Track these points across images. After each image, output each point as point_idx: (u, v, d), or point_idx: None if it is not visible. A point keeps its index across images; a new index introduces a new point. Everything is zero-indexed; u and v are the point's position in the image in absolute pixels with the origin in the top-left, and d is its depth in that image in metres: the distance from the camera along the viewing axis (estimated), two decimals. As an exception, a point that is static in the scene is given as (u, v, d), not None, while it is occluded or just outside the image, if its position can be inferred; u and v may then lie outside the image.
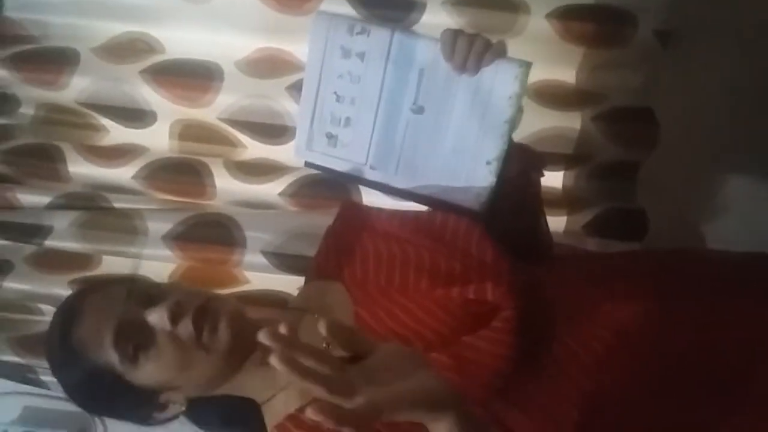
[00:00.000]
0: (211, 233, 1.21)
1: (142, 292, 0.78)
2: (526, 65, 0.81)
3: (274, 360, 0.52)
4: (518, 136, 1.21)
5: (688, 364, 0.72)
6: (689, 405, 0.71)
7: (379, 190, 0.94)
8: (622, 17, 1.15)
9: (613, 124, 1.22)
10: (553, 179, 1.28)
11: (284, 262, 1.19)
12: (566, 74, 1.22)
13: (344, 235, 0.92)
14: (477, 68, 0.80)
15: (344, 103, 0.87)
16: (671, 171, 1.25)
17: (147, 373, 0.76)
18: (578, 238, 1.25)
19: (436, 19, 1.14)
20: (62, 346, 0.79)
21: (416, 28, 1.15)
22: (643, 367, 0.73)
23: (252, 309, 0.86)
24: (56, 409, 1.41)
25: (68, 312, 0.81)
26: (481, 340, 0.72)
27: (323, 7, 1.14)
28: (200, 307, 0.77)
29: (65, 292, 1.25)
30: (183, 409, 0.80)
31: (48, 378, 1.29)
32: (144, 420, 0.82)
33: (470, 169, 0.86)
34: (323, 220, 1.03)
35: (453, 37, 0.79)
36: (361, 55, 0.84)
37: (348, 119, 0.87)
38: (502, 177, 0.85)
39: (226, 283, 1.28)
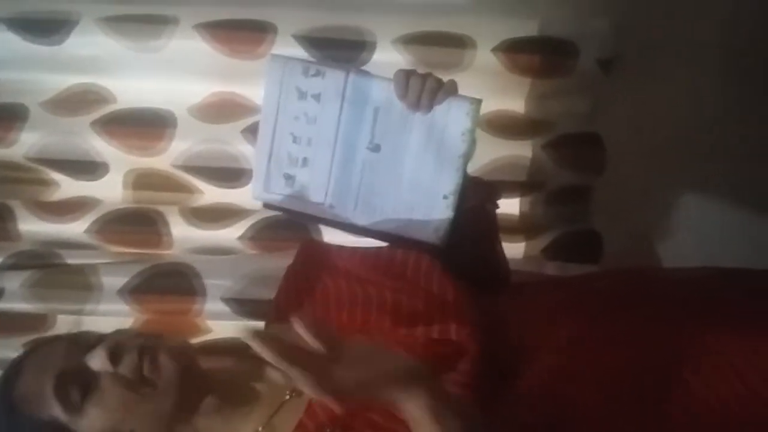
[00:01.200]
0: (169, 283, 1.18)
1: (81, 340, 0.77)
2: (477, 102, 0.84)
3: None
4: (472, 166, 1.23)
5: (627, 381, 0.73)
6: (635, 422, 0.71)
7: (339, 229, 0.94)
8: (565, 48, 1.19)
9: (563, 151, 1.25)
10: (509, 206, 1.30)
11: (245, 307, 1.17)
12: (515, 104, 1.26)
13: (304, 274, 0.92)
14: (430, 106, 0.82)
15: (301, 143, 0.88)
16: (622, 193, 1.29)
17: (94, 420, 0.73)
18: (537, 262, 1.27)
19: (387, 57, 1.17)
20: (2, 407, 0.76)
21: (368, 66, 1.17)
22: (597, 388, 0.73)
23: (209, 359, 0.84)
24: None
25: (8, 370, 0.79)
26: (449, 384, 0.71)
27: (275, 50, 1.16)
28: (142, 344, 0.75)
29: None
30: None
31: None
32: None
33: (428, 204, 0.87)
34: (284, 261, 1.02)
35: (406, 76, 0.82)
36: (317, 97, 0.86)
37: (305, 159, 0.88)
38: (459, 210, 0.87)
39: (187, 334, 1.24)
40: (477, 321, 0.77)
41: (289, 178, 0.89)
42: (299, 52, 1.16)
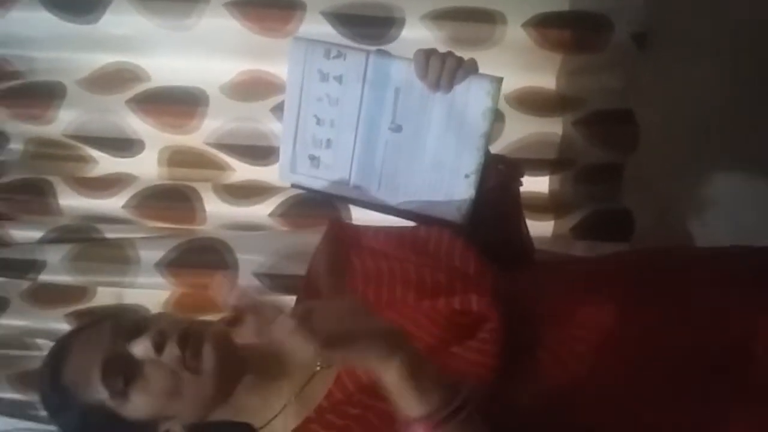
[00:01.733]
0: (203, 258, 1.21)
1: (126, 326, 0.78)
2: (498, 80, 0.83)
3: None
4: (502, 144, 1.24)
5: (670, 364, 0.73)
6: (673, 404, 0.71)
7: (363, 207, 0.96)
8: (598, 22, 1.17)
9: (594, 128, 1.24)
10: (539, 184, 1.30)
11: (277, 282, 1.19)
12: (546, 81, 1.24)
13: (331, 254, 0.93)
14: (450, 85, 0.82)
15: (324, 125, 0.89)
16: (654, 171, 1.26)
17: (139, 405, 0.75)
18: (566, 241, 1.26)
19: (416, 33, 1.17)
20: (53, 388, 0.79)
21: (396, 43, 1.17)
22: (626, 368, 0.73)
23: (242, 334, 0.86)
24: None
25: (57, 354, 0.81)
26: (469, 351, 0.73)
27: (303, 28, 1.17)
28: (183, 332, 0.76)
29: (62, 326, 1.25)
30: None
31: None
32: None
33: (450, 182, 0.88)
34: (313, 238, 1.03)
35: (425, 56, 0.81)
36: (339, 78, 0.86)
37: (329, 141, 0.89)
38: (482, 189, 0.87)
39: (219, 308, 1.28)
40: (498, 292, 0.78)
41: (314, 159, 0.90)
42: (327, 29, 1.16)
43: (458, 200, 0.87)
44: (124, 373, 0.74)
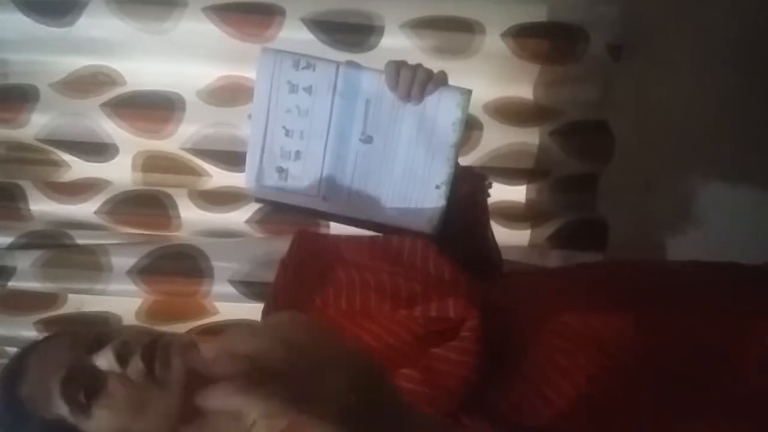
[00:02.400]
0: (177, 265, 1.20)
1: (87, 337, 0.75)
2: (467, 92, 0.84)
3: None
4: (480, 153, 1.25)
5: (646, 372, 0.73)
6: (654, 410, 0.71)
7: (333, 221, 0.95)
8: (575, 33, 1.18)
9: (570, 138, 1.25)
10: (516, 194, 1.30)
11: (252, 290, 1.18)
12: (523, 91, 1.25)
13: (300, 264, 0.91)
14: (421, 97, 0.82)
15: (293, 137, 0.88)
16: (629, 181, 1.28)
17: (102, 421, 0.72)
18: (542, 250, 1.27)
19: (395, 42, 1.17)
20: (8, 407, 0.74)
21: (376, 51, 1.18)
22: (606, 376, 0.72)
23: (207, 343, 0.84)
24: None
25: (11, 369, 0.76)
26: (450, 350, 0.72)
27: (282, 34, 1.16)
28: (149, 343, 0.74)
29: (31, 333, 1.23)
30: None
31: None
32: None
33: (421, 193, 0.88)
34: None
35: (396, 67, 0.82)
36: (308, 89, 0.86)
37: (298, 152, 0.89)
38: (451, 200, 0.87)
39: (195, 315, 1.27)
40: (473, 295, 0.77)
41: (282, 171, 0.90)
42: (307, 35, 1.16)
43: (429, 211, 0.88)
44: (85, 386, 0.71)
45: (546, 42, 1.18)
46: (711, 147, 1.28)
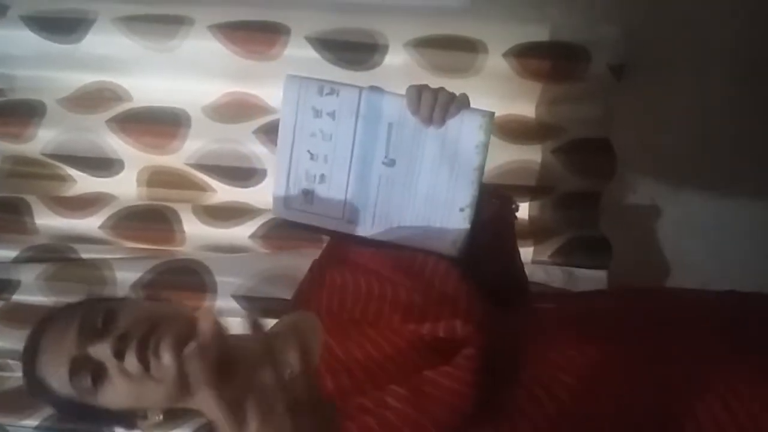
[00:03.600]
0: (181, 280, 1.20)
1: (90, 325, 0.78)
2: (490, 115, 0.84)
3: None
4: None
5: (648, 408, 0.73)
6: None
7: (359, 242, 0.95)
8: (577, 53, 1.19)
9: (573, 156, 1.26)
10: (519, 211, 1.30)
11: (256, 305, 1.18)
12: (526, 109, 1.26)
13: (327, 267, 0.92)
14: (443, 120, 0.83)
15: (318, 160, 0.89)
16: (632, 199, 1.29)
17: (109, 400, 0.77)
18: (545, 267, 1.27)
19: (399, 60, 1.19)
20: (31, 381, 0.81)
21: (379, 69, 1.19)
22: (603, 414, 0.73)
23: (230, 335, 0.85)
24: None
25: (29, 350, 0.82)
26: (441, 376, 0.72)
27: (287, 52, 1.18)
28: (144, 335, 0.75)
29: (33, 346, 1.23)
30: (161, 419, 0.80)
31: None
32: (131, 428, 0.82)
33: (444, 216, 0.88)
34: (294, 261, 1.03)
35: (418, 91, 0.83)
36: (332, 114, 0.87)
37: (323, 176, 0.90)
38: (476, 222, 0.87)
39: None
40: (484, 323, 0.77)
41: (308, 194, 0.91)
42: (311, 53, 1.17)
43: (453, 234, 0.88)
44: (91, 373, 0.75)
45: (548, 61, 1.19)
46: (714, 164, 1.29)
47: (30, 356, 0.81)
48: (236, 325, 1.24)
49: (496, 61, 1.19)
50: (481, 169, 0.85)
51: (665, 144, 1.29)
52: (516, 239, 1.00)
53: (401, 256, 0.89)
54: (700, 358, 0.76)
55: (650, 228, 1.34)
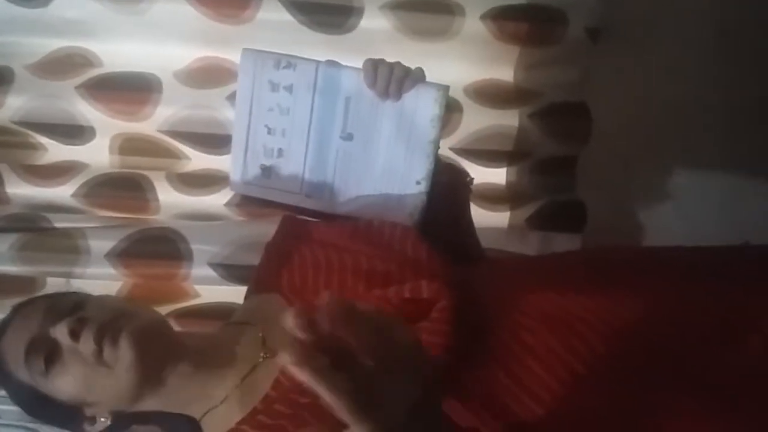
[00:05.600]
0: (156, 248, 1.19)
1: (58, 308, 0.79)
2: (445, 88, 0.85)
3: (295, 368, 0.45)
4: (460, 135, 1.25)
5: (613, 349, 0.74)
6: (617, 390, 0.72)
7: (316, 217, 0.96)
8: (554, 16, 1.18)
9: (549, 120, 1.25)
10: (496, 176, 1.31)
11: (232, 272, 1.18)
12: (503, 73, 1.25)
13: (283, 246, 0.93)
14: (399, 93, 0.84)
15: (276, 134, 0.90)
16: (607, 163, 1.29)
17: (58, 386, 0.77)
18: (521, 232, 1.28)
19: (375, 23, 1.17)
20: None
21: (355, 32, 1.17)
22: (574, 354, 0.73)
23: (187, 326, 0.86)
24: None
25: (1, 326, 0.83)
26: (422, 332, 0.73)
27: (260, 15, 1.16)
28: (104, 323, 0.77)
29: (8, 316, 1.22)
30: (108, 422, 0.80)
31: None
32: (77, 430, 0.82)
33: (401, 189, 0.89)
34: (270, 228, 1.02)
35: (374, 65, 0.84)
36: (289, 88, 0.87)
37: (281, 150, 0.91)
38: (431, 194, 0.88)
39: (175, 298, 1.27)
40: (448, 277, 0.79)
41: (266, 168, 0.91)
42: (285, 16, 1.15)
43: (410, 205, 0.89)
44: (45, 354, 0.76)
45: (525, 24, 1.18)
46: (689, 129, 1.29)
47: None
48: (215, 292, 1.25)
49: (473, 24, 1.18)
50: (437, 142, 0.86)
51: (642, 107, 1.29)
52: (470, 211, 1.02)
53: (357, 225, 0.91)
54: (674, 305, 0.77)
55: (626, 191, 1.34)
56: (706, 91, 1.28)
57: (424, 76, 0.85)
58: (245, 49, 0.88)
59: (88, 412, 0.80)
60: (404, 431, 0.50)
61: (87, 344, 0.75)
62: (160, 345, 0.79)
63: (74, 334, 0.75)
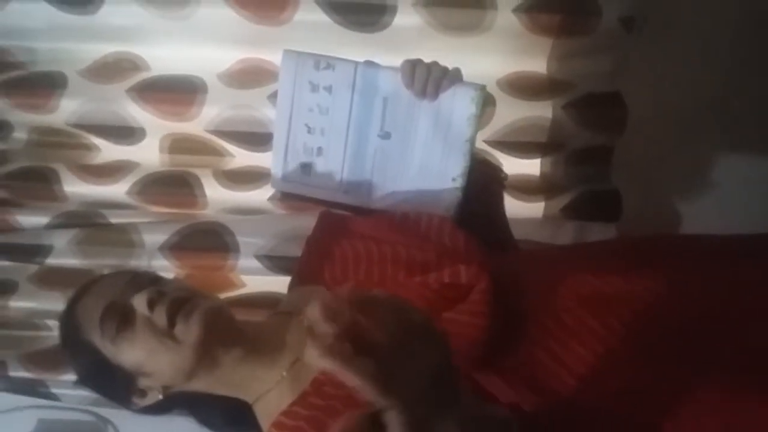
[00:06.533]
0: (205, 241, 1.25)
1: (139, 280, 0.84)
2: (481, 88, 0.87)
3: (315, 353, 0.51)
4: (494, 128, 1.27)
5: (650, 331, 0.77)
6: (651, 371, 0.75)
7: (353, 212, 0.99)
8: (587, 6, 1.18)
9: (584, 111, 1.26)
10: (530, 167, 1.33)
11: (277, 264, 1.23)
12: (536, 65, 1.26)
13: (323, 241, 0.97)
14: (436, 93, 0.86)
15: (315, 133, 0.92)
16: (643, 153, 1.29)
17: (122, 352, 0.81)
18: (556, 222, 1.29)
19: (408, 20, 1.19)
20: (65, 320, 0.87)
21: (389, 30, 1.19)
22: (614, 335, 0.77)
23: (242, 313, 0.90)
24: (69, 419, 1.45)
25: (78, 290, 0.88)
26: (461, 313, 0.77)
27: (298, 16, 1.19)
28: (179, 298, 0.81)
29: (69, 308, 1.30)
30: (160, 397, 0.84)
31: (59, 390, 1.33)
32: (125, 402, 0.86)
33: (437, 186, 0.91)
34: (312, 221, 1.06)
35: (412, 66, 0.86)
36: (329, 89, 0.90)
37: (320, 149, 0.93)
38: (468, 191, 0.91)
39: (223, 288, 1.33)
40: (485, 262, 0.82)
41: (306, 166, 0.94)
42: (321, 17, 1.18)
43: (446, 201, 0.92)
44: (118, 320, 0.80)
45: (558, 16, 1.18)
46: (723, 118, 1.29)
47: (75, 297, 0.87)
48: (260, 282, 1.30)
49: (505, 17, 1.18)
50: (473, 140, 0.88)
51: (677, 96, 1.28)
52: (504, 206, 1.05)
53: (394, 217, 0.94)
54: (722, 285, 0.79)
55: (661, 181, 1.34)
56: (741, 78, 1.27)
57: (461, 76, 0.87)
58: (286, 51, 0.91)
59: (142, 383, 0.83)
60: (425, 401, 0.54)
61: (161, 315, 0.79)
62: (225, 328, 0.82)
63: (152, 304, 0.79)
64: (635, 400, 0.73)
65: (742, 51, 1.27)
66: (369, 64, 0.89)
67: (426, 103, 0.87)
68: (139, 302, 0.80)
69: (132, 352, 0.80)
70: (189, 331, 0.79)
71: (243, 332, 0.85)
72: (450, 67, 0.87)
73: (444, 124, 0.88)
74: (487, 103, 1.15)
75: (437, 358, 0.56)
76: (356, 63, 0.89)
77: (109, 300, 0.81)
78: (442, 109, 0.88)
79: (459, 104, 0.87)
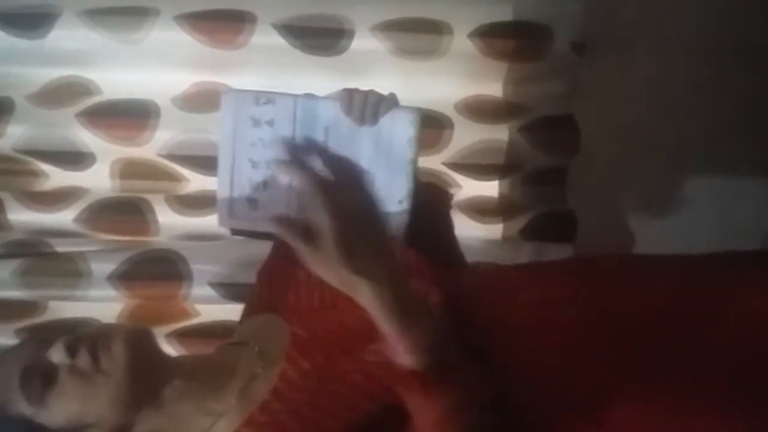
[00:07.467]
0: (156, 269, 1.21)
1: (48, 337, 0.80)
2: (418, 111, 0.89)
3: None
4: (452, 151, 1.28)
5: (602, 340, 0.78)
6: (606, 378, 0.76)
7: None
8: (539, 31, 1.22)
9: (539, 133, 1.28)
10: (488, 189, 1.34)
11: (232, 291, 1.21)
12: (492, 89, 1.28)
13: (276, 269, 0.97)
14: (375, 118, 0.87)
15: (260, 167, 0.92)
16: (596, 173, 1.32)
17: (56, 412, 0.77)
18: (515, 243, 1.30)
19: (365, 44, 1.20)
20: None
21: (347, 54, 1.20)
22: (561, 334, 0.78)
23: (195, 344, 0.88)
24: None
25: None
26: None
27: (254, 39, 1.19)
28: (96, 334, 0.79)
29: (12, 341, 1.23)
30: None
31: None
32: None
33: (384, 209, 0.92)
34: (267, 247, 1.05)
35: (349, 93, 0.88)
36: (270, 122, 0.90)
37: (266, 182, 0.93)
38: (414, 213, 0.92)
39: (176, 318, 1.29)
40: (436, 276, 0.84)
41: (252, 201, 0.94)
42: (278, 40, 1.18)
43: (394, 224, 0.92)
44: (41, 379, 0.76)
45: (512, 41, 1.21)
46: (677, 138, 1.32)
47: None
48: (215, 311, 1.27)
49: (461, 42, 1.20)
50: (415, 162, 0.90)
51: (630, 118, 1.31)
52: (453, 227, 1.06)
53: None
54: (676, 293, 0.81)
55: (615, 201, 1.37)
56: (695, 98, 1.31)
57: (397, 101, 0.89)
58: (226, 90, 0.92)
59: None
60: (390, 284, 0.67)
61: (84, 357, 0.76)
62: (150, 348, 0.81)
63: (71, 351, 0.76)
64: (573, 406, 0.75)
65: (691, 70, 1.31)
66: (308, 96, 0.92)
67: (366, 129, 0.89)
68: (57, 353, 0.77)
69: (66, 406, 0.76)
70: (115, 358, 0.76)
71: (177, 363, 0.84)
72: (406, 91, 0.89)
73: (385, 147, 0.90)
74: (442, 122, 1.16)
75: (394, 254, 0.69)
76: (295, 96, 0.91)
77: (23, 364, 0.78)
78: (382, 134, 0.89)
79: (398, 127, 0.88)
